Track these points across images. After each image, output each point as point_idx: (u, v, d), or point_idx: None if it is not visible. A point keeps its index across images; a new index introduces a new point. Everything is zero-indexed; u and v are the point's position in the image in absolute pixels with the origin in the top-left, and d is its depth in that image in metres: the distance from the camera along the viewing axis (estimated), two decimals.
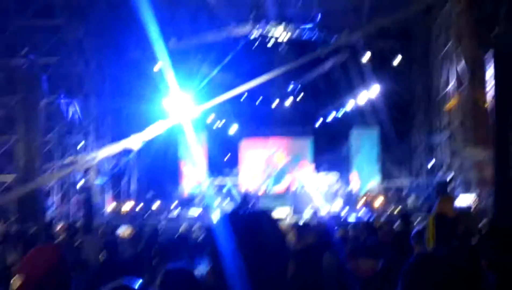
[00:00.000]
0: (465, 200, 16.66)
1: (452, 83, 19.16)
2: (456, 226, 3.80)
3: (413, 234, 4.32)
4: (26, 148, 18.35)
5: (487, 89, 16.59)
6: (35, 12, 19.52)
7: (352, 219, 16.36)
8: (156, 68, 24.04)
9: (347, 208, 20.66)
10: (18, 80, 18.90)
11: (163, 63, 23.86)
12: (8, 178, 19.11)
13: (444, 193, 17.30)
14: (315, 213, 17.16)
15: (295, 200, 21.67)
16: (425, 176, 23.33)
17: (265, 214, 1.79)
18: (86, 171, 20.39)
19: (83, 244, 8.03)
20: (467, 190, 17.92)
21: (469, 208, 15.80)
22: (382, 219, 11.71)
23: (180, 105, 25.29)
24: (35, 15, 19.56)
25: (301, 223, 7.32)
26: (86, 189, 19.32)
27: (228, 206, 21.63)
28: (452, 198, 3.29)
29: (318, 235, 6.74)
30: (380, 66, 24.35)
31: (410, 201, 22.77)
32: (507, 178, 14.69)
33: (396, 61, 23.80)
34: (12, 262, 7.11)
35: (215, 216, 20.53)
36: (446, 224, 3.38)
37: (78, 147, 20.52)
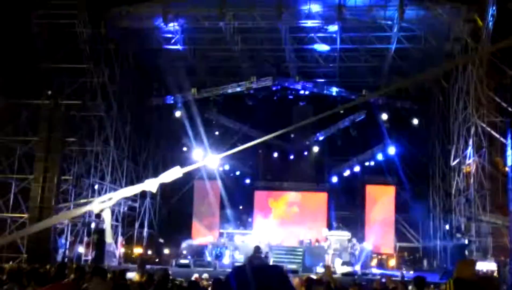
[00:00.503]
0: (485, 265, 16.28)
1: (470, 148, 19.10)
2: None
3: None
4: (42, 187, 18.50)
5: (506, 155, 16.50)
6: (62, 55, 20.10)
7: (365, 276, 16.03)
8: (176, 115, 24.47)
9: (358, 266, 20.28)
10: (41, 120, 19.25)
11: (183, 111, 24.40)
12: (22, 216, 19.19)
13: (461, 257, 16.95)
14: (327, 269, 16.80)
15: (308, 254, 21.36)
16: (441, 239, 22.93)
17: (276, 268, 1.80)
18: (100, 213, 20.39)
19: (92, 285, 7.94)
20: (484, 255, 17.53)
21: (492, 273, 15.43)
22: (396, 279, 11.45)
23: (197, 153, 25.64)
24: (62, 58, 20.13)
25: (314, 277, 7.18)
26: (99, 231, 19.33)
27: (240, 256, 21.34)
28: (474, 262, 3.20)
29: None
30: (398, 126, 24.47)
31: (425, 263, 22.33)
32: None
33: (414, 122, 23.89)
34: None
35: (226, 267, 20.30)
36: (466, 288, 3.30)
37: (95, 188, 20.65)
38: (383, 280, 8.85)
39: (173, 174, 2.73)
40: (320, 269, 17.94)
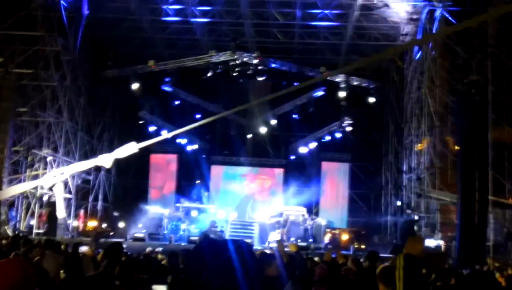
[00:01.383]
0: (433, 242, 16.90)
1: (422, 126, 19.62)
2: (424, 267, 3.84)
3: (379, 271, 4.33)
4: None
5: (456, 134, 17.06)
6: (14, 22, 19.33)
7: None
8: (132, 88, 24.01)
9: (311, 241, 20.71)
10: None
11: (139, 84, 23.96)
12: None
13: (410, 233, 17.54)
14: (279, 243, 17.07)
15: (262, 229, 21.67)
16: (392, 215, 23.64)
17: (240, 242, 1.80)
18: (52, 187, 20.02)
19: (43, 259, 7.82)
20: (432, 231, 18.20)
21: (439, 249, 16.01)
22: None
23: (153, 127, 25.33)
24: (14, 25, 19.38)
25: (267, 252, 7.28)
26: (51, 203, 18.94)
27: (196, 230, 21.41)
28: (422, 239, 3.32)
29: (283, 265, 6.73)
30: (354, 104, 24.86)
31: (376, 238, 23.00)
32: (471, 223, 15.03)
33: (370, 100, 24.30)
34: None
35: (182, 241, 20.33)
36: (415, 265, 3.42)
37: (47, 160, 20.15)
38: (333, 254, 9.06)
39: (128, 149, 2.71)
40: (273, 244, 18.23)
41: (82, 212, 23.08)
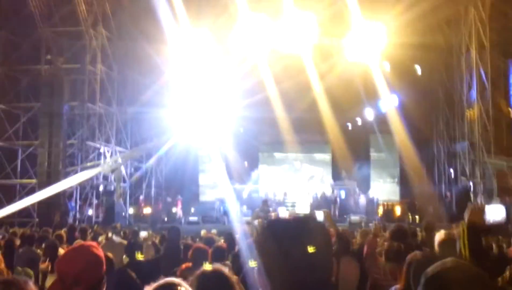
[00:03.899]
0: (493, 212, 16.43)
1: (473, 92, 19.03)
2: (488, 235, 3.78)
3: (439, 241, 4.29)
4: (48, 152, 18.65)
5: (510, 96, 16.45)
6: (59, 19, 19.85)
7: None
8: (179, 77, 24.23)
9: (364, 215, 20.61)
10: (42, 85, 19.22)
11: (186, 71, 24.12)
12: (31, 181, 19.41)
13: (466, 200, 17.16)
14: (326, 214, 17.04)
15: (315, 206, 21.65)
16: (446, 184, 23.14)
17: (311, 218, 1.78)
18: (108, 175, 20.64)
19: (106, 246, 8.14)
20: (489, 197, 17.74)
21: (501, 220, 15.59)
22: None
23: (202, 113, 25.54)
24: (59, 22, 19.89)
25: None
26: (108, 192, 19.57)
27: (248, 211, 21.64)
28: (483, 209, 3.27)
29: (338, 240, 6.73)
30: (401, 74, 24.23)
31: (431, 209, 22.59)
32: None
33: (417, 69, 23.69)
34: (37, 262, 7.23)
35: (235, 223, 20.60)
36: (479, 235, 3.37)
37: (101, 151, 20.77)
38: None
39: (177, 137, 2.75)
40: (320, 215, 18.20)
41: (141, 198, 23.68)
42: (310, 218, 1.77)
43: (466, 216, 3.30)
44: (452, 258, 1.70)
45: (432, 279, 1.75)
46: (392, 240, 5.06)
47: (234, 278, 2.78)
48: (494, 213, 15.98)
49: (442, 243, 4.20)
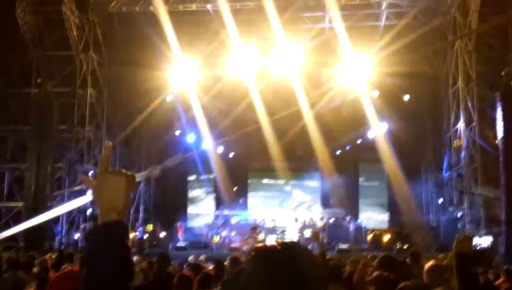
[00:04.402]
0: (482, 240, 16.57)
1: (461, 122, 19.29)
2: (476, 265, 3.82)
3: (426, 269, 4.32)
4: (36, 175, 18.52)
5: (496, 128, 16.69)
6: (51, 43, 19.96)
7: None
8: (169, 99, 24.33)
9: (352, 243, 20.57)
10: (32, 108, 19.20)
11: (176, 94, 24.24)
12: (17, 204, 19.22)
13: (454, 230, 17.25)
14: (313, 234, 17.01)
15: (302, 233, 21.60)
16: (434, 213, 23.24)
17: (298, 246, 1.76)
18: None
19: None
20: (476, 227, 17.84)
21: (487, 248, 15.70)
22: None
23: (192, 137, 25.59)
24: (50, 46, 20.00)
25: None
26: (95, 217, 19.36)
27: (236, 237, 21.52)
28: (472, 238, 3.30)
29: (328, 267, 6.73)
30: (389, 102, 24.50)
31: (419, 237, 22.62)
32: None
33: (405, 98, 23.98)
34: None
35: (223, 249, 20.48)
36: (467, 263, 3.41)
37: (89, 175, 20.66)
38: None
39: (176, 159, 2.80)
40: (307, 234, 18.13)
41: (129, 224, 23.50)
42: (297, 245, 1.76)
43: (454, 245, 3.36)
44: (442, 287, 1.73)
45: None
46: (381, 269, 5.08)
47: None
48: (482, 242, 16.10)
49: (430, 271, 4.22)
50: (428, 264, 4.39)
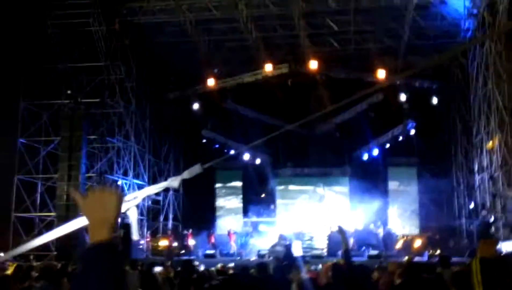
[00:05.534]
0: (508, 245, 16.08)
1: (492, 124, 18.85)
2: (502, 270, 3.69)
3: (451, 277, 4.20)
4: (67, 186, 18.85)
5: None
6: (79, 54, 20.34)
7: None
8: (194, 108, 24.59)
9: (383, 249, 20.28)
10: (63, 119, 19.58)
11: (200, 103, 24.49)
12: (50, 214, 19.59)
13: (487, 235, 16.81)
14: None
15: (332, 240, 21.35)
16: (466, 218, 22.73)
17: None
18: (126, 211, 20.67)
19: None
20: (510, 231, 17.34)
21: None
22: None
23: (217, 145, 25.71)
24: (79, 57, 20.38)
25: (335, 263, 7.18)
26: (125, 225, 19.57)
27: (262, 244, 21.46)
28: (496, 241, 3.18)
29: (356, 276, 6.62)
30: (417, 105, 24.18)
31: (451, 243, 22.16)
32: None
33: (434, 101, 23.62)
34: None
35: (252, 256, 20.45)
36: (492, 268, 3.29)
37: (118, 184, 20.93)
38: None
39: (194, 170, 2.78)
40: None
41: (148, 233, 23.60)
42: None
43: (478, 249, 3.25)
44: None
45: None
46: (405, 275, 4.97)
47: None
48: (509, 246, 15.62)
49: (455, 277, 4.10)
50: (453, 271, 4.27)
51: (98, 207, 1.63)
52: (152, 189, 2.92)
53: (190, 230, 23.66)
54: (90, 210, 1.65)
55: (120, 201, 1.65)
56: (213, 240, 23.24)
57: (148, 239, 23.05)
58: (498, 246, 3.47)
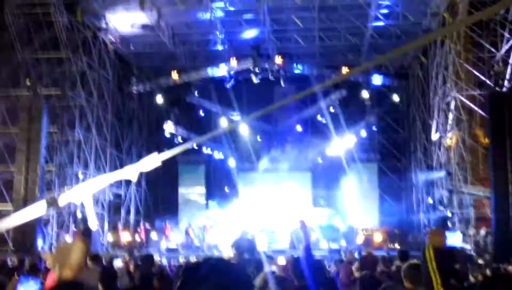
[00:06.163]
0: (453, 238, 16.51)
1: (450, 122, 19.36)
2: (454, 259, 3.81)
3: (405, 269, 4.27)
4: (25, 178, 18.39)
5: (486, 127, 16.77)
6: (40, 44, 19.85)
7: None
8: (157, 101, 24.39)
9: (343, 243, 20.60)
10: (21, 110, 19.07)
11: (163, 96, 24.30)
12: (7, 207, 19.06)
13: (444, 229, 17.27)
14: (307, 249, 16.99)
15: (295, 234, 21.54)
16: (424, 213, 23.31)
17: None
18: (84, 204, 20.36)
19: (83, 271, 7.99)
20: (466, 227, 17.90)
21: (462, 248, 15.73)
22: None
23: (180, 138, 25.56)
24: (40, 47, 19.89)
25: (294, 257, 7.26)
26: (85, 219, 19.25)
27: (224, 238, 21.48)
28: (443, 231, 3.30)
29: (314, 270, 6.70)
30: (379, 103, 24.66)
31: (410, 237, 22.70)
32: (506, 216, 14.74)
33: (395, 98, 24.09)
34: None
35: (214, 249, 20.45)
36: (445, 257, 3.39)
37: (78, 177, 20.58)
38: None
39: (151, 162, 2.75)
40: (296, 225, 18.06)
41: (120, 225, 23.37)
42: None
43: (427, 239, 3.34)
44: None
45: None
46: (362, 268, 5.08)
47: None
48: (453, 238, 16.08)
49: (407, 270, 4.18)
50: (404, 265, 4.37)
51: (64, 250, 1.88)
52: (108, 178, 2.88)
53: (146, 224, 23.52)
54: (57, 257, 1.87)
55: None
56: (168, 232, 23.00)
57: (119, 232, 22.84)
58: (445, 237, 3.59)
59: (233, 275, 1.78)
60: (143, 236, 22.98)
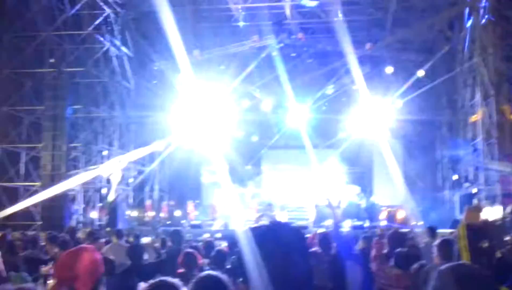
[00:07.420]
0: (491, 213, 16.37)
1: (477, 97, 18.99)
2: (485, 236, 3.77)
3: (439, 243, 4.26)
4: (51, 155, 18.71)
5: None
6: (62, 23, 19.94)
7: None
8: (179, 78, 24.36)
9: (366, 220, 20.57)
10: (46, 89, 19.29)
11: (186, 74, 24.23)
12: (34, 184, 19.44)
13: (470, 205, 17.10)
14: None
15: (319, 211, 21.56)
16: (450, 189, 23.06)
17: (288, 225, 1.93)
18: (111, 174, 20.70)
19: (110, 249, 8.15)
20: (492, 203, 17.67)
21: (495, 221, 15.54)
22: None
23: (203, 115, 25.55)
24: (63, 26, 19.99)
25: (322, 232, 7.30)
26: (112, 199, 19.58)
27: (250, 215, 21.61)
28: (480, 209, 3.25)
29: (340, 245, 6.73)
30: (403, 79, 24.21)
31: (434, 214, 22.51)
32: None
33: (419, 74, 23.65)
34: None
35: (239, 227, 20.58)
36: (477, 234, 3.36)
37: (103, 155, 20.85)
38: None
39: (179, 138, 2.75)
40: (328, 222, 18.14)
41: (149, 202, 23.67)
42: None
43: (464, 217, 3.30)
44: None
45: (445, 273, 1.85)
46: (391, 245, 5.06)
47: (229, 283, 2.82)
48: (493, 213, 15.95)
49: (440, 245, 4.17)
50: (437, 241, 4.34)
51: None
52: (136, 154, 2.88)
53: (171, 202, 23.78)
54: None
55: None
56: (191, 209, 23.19)
57: (149, 209, 23.16)
58: (482, 213, 3.57)
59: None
60: (166, 212, 23.26)
